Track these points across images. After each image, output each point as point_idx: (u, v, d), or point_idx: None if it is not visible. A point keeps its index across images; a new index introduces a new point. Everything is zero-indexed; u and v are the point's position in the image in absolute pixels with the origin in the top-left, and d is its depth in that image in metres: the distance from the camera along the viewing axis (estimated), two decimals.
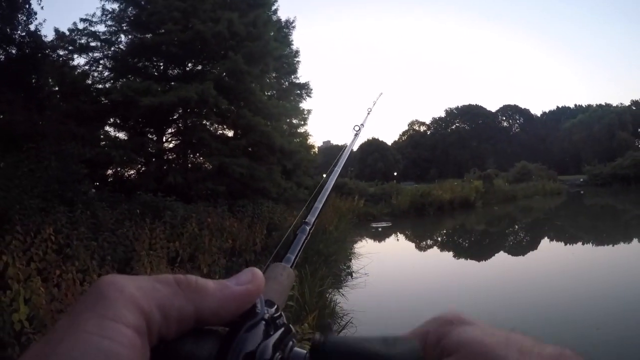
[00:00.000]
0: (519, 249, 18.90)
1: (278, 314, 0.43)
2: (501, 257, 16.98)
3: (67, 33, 17.68)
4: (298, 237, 0.70)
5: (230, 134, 19.80)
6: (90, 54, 18.23)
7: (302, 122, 24.66)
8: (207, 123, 18.99)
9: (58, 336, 0.31)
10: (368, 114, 2.87)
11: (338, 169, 1.29)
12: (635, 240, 18.10)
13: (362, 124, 2.49)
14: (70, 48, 17.69)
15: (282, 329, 0.42)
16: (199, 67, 19.37)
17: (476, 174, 43.92)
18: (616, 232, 21.17)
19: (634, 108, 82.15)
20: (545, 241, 20.84)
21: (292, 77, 24.47)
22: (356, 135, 2.16)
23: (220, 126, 19.73)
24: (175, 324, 0.36)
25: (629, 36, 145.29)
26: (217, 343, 0.38)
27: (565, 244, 19.27)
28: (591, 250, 17.13)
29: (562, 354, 0.34)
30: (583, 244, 18.90)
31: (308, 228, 0.74)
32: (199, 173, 17.43)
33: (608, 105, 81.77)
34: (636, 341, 6.92)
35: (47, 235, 7.33)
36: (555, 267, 13.81)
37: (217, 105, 16.76)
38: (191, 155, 19.28)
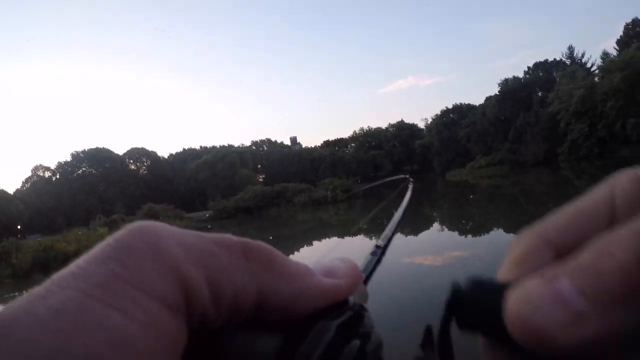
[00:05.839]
0: None
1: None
2: None
3: None
4: (370, 259, 0.62)
5: None
6: None
7: None
8: None
9: (51, 298, 0.19)
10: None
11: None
12: None
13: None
14: None
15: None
16: None
17: (102, 220, 43.60)
18: None
19: (254, 147, 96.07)
20: None
21: None
22: None
23: None
24: (226, 308, 0.23)
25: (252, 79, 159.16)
26: (283, 341, 0.24)
27: None
28: None
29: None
30: None
31: (379, 252, 0.69)
32: None
33: (231, 146, 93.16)
34: None
35: None
36: None
37: None
38: None
